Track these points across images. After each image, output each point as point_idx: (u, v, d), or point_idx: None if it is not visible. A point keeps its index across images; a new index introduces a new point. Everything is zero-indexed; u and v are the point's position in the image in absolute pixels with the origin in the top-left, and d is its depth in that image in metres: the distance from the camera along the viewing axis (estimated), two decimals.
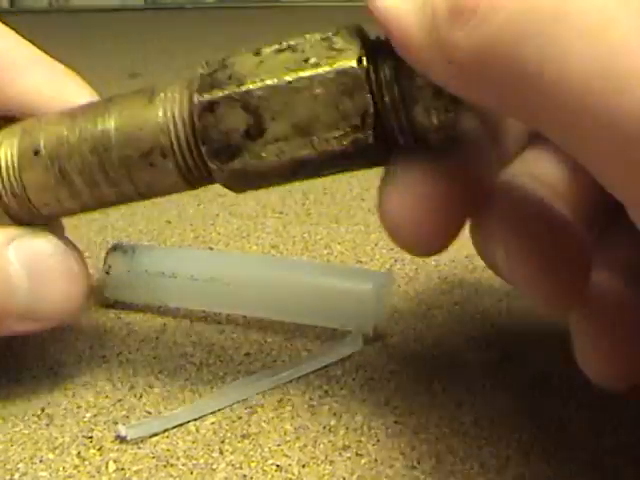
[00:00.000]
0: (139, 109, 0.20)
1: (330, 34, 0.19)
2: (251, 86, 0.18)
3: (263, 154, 0.19)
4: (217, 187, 0.21)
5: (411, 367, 0.25)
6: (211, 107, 0.19)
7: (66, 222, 0.36)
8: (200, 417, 0.22)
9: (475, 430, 0.22)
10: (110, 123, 0.20)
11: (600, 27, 0.13)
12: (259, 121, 0.19)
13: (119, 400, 0.23)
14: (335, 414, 0.23)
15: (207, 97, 0.19)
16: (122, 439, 0.21)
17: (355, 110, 0.18)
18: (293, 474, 0.20)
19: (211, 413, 0.23)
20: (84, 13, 1.04)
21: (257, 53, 0.19)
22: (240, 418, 0.22)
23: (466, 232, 0.28)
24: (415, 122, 0.18)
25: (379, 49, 0.18)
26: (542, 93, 0.14)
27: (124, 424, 0.22)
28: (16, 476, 0.20)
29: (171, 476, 0.20)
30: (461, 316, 0.28)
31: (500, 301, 0.28)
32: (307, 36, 0.19)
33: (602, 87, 0.13)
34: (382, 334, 0.27)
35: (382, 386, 0.24)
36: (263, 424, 0.22)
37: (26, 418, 0.23)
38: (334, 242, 0.34)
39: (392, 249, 0.32)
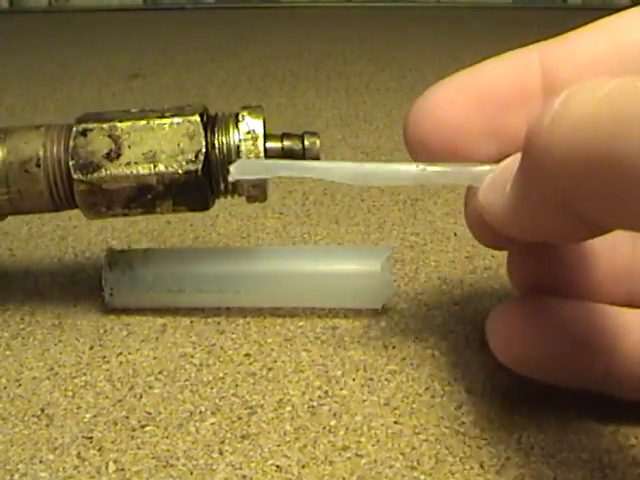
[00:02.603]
0: (27, 132, 0.25)
1: (183, 106, 0.26)
2: (118, 123, 0.25)
3: (116, 172, 0.24)
4: None
5: (411, 367, 0.25)
6: (84, 132, 0.25)
7: (66, 223, 0.36)
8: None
9: (475, 430, 0.22)
10: (4, 139, 0.25)
11: None
12: (118, 147, 0.24)
13: (119, 400, 0.23)
14: (335, 414, 0.23)
15: (83, 125, 0.25)
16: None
17: (192, 148, 0.24)
18: (293, 474, 0.20)
19: (211, 413, 0.23)
20: (84, 13, 1.04)
21: (125, 111, 0.25)
22: (240, 418, 0.23)
23: (467, 232, 0.28)
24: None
25: (216, 119, 0.25)
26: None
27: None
28: (16, 476, 0.20)
29: (171, 476, 0.20)
30: (461, 316, 0.28)
31: (500, 301, 0.28)
32: (165, 106, 0.26)
33: None
34: (382, 334, 0.27)
35: (382, 386, 0.24)
36: (263, 424, 0.22)
37: (26, 418, 0.23)
38: (334, 242, 0.34)
39: None
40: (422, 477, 0.20)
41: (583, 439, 0.21)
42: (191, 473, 0.20)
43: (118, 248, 0.29)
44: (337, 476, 0.20)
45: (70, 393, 0.24)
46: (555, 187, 0.16)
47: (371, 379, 0.24)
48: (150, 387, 0.24)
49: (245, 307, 0.28)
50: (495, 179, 0.19)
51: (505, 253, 0.24)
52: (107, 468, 0.21)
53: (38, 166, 0.25)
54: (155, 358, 0.26)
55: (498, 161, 0.20)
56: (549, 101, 0.16)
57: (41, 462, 0.21)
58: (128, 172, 0.24)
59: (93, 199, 0.25)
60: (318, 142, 0.25)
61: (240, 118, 0.25)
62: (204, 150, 0.24)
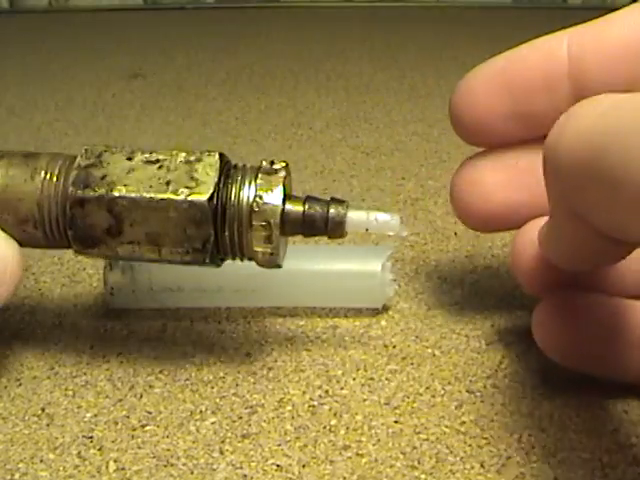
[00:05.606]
0: (21, 183, 0.22)
1: (193, 159, 0.22)
2: (117, 194, 0.22)
3: (118, 249, 0.22)
4: None
5: (411, 367, 0.25)
6: (82, 202, 0.22)
7: None
8: None
9: (476, 429, 0.22)
10: None
11: None
12: (119, 224, 0.22)
13: (119, 400, 0.23)
14: (335, 414, 0.23)
15: (80, 194, 0.22)
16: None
17: (199, 237, 0.22)
18: (293, 474, 0.20)
19: (212, 413, 0.23)
20: (84, 13, 1.04)
21: (129, 158, 0.22)
22: (240, 418, 0.23)
23: (467, 232, 0.28)
24: (244, 252, 0.22)
25: (234, 178, 0.22)
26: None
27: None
28: (16, 476, 0.20)
29: (171, 476, 0.20)
30: (461, 316, 0.28)
31: (500, 301, 0.28)
32: (174, 153, 0.22)
33: None
34: (383, 333, 0.27)
35: (382, 386, 0.24)
36: (263, 423, 0.22)
37: (26, 418, 0.23)
38: (334, 242, 0.34)
39: None
40: (423, 476, 0.20)
41: (583, 438, 0.21)
42: (191, 472, 0.20)
43: None
44: (338, 475, 0.20)
45: (70, 392, 0.24)
46: (565, 196, 0.16)
47: (371, 378, 0.24)
48: (150, 386, 0.24)
49: (245, 307, 0.28)
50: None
51: (507, 252, 0.24)
52: (107, 467, 0.21)
53: (35, 228, 0.23)
54: (155, 358, 0.26)
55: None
56: (562, 114, 0.17)
57: (41, 461, 0.21)
58: (130, 249, 0.22)
59: (97, 259, 0.25)
60: (344, 212, 0.22)
61: (257, 194, 0.22)
62: (212, 239, 0.22)
